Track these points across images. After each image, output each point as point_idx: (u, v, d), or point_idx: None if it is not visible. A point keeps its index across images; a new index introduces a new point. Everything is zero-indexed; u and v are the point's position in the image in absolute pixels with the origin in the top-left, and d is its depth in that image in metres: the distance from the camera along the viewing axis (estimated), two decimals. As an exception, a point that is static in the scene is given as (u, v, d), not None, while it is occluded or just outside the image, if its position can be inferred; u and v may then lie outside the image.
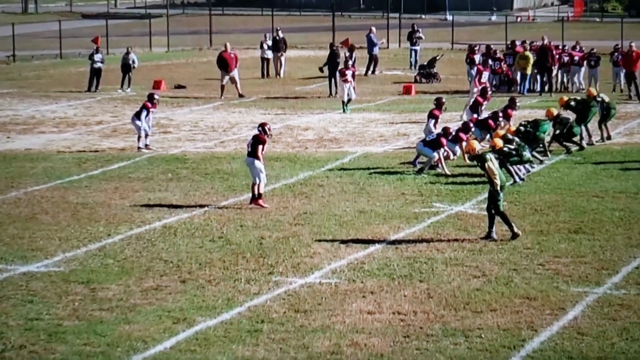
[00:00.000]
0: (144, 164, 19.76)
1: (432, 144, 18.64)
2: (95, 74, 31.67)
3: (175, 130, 24.06)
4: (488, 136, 19.46)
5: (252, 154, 15.93)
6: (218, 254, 13.36)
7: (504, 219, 13.79)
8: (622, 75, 29.51)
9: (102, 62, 31.82)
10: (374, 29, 35.77)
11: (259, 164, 15.88)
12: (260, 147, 15.93)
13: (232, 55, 30.28)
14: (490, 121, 20.21)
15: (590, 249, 13.36)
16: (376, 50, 35.17)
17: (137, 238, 14.17)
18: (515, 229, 13.77)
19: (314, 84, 33.18)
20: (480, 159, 13.86)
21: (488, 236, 13.84)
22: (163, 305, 11.26)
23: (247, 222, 15.05)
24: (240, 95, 29.74)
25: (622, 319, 10.67)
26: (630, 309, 10.99)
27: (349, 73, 26.52)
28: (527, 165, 17.78)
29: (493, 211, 13.79)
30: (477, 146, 14.23)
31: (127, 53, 31.86)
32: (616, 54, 30.24)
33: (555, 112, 19.94)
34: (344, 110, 26.39)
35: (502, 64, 30.49)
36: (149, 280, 12.19)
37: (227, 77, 29.92)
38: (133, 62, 31.55)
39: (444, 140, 18.58)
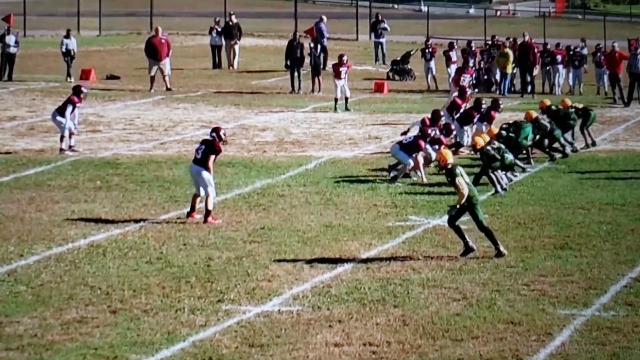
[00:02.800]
0: (67, 170, 19.63)
1: (409, 147, 18.80)
2: (8, 59, 31.33)
3: (106, 129, 24.04)
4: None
5: (202, 162, 15.88)
6: (156, 278, 13.21)
7: (458, 232, 14.12)
8: (606, 77, 30.41)
9: (16, 46, 31.29)
10: (324, 17, 35.69)
11: (207, 174, 15.89)
12: (213, 157, 15.97)
13: (164, 41, 30.41)
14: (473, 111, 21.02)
15: (577, 266, 13.86)
16: (325, 42, 35.25)
17: (57, 259, 13.93)
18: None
19: (273, 78, 33.24)
20: (449, 172, 14.40)
21: (467, 250, 14.11)
22: (88, 341, 11.01)
23: (192, 239, 14.95)
24: (168, 89, 29.84)
25: (611, 344, 11.07)
26: (619, 332, 11.40)
27: (343, 70, 26.83)
28: (509, 174, 18.34)
29: (447, 224, 14.28)
30: (450, 158, 14.76)
31: (67, 37, 31.58)
32: (599, 54, 31.02)
33: (534, 114, 20.83)
34: (335, 109, 26.82)
35: (478, 60, 30.90)
36: (71, 311, 11.94)
37: (155, 67, 29.87)
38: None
39: (422, 143, 18.80)
